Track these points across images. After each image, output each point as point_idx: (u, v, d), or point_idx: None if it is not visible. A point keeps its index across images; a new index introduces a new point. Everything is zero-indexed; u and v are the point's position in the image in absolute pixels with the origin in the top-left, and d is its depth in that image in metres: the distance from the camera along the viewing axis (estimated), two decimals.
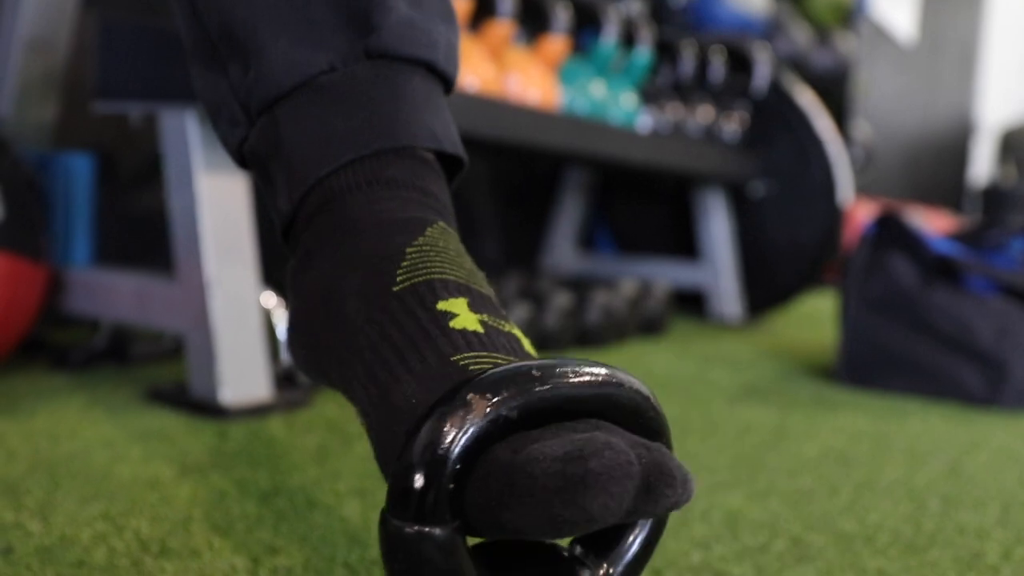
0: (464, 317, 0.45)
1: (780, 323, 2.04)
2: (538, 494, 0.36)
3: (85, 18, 1.15)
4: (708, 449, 0.89)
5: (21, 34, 1.09)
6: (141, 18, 0.92)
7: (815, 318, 2.15)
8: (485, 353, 0.43)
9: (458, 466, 0.37)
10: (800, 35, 2.71)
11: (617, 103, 1.66)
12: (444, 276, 0.46)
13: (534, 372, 0.39)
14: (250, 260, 0.92)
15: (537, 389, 0.38)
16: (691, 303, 2.03)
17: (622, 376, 0.41)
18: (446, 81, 0.56)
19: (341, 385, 0.47)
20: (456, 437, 0.37)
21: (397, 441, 0.41)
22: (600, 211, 2.19)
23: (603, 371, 0.41)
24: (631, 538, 0.43)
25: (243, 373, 0.90)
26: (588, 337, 1.47)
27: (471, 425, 0.37)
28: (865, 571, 0.60)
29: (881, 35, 3.88)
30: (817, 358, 1.52)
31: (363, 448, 0.80)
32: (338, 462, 0.76)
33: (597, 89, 1.62)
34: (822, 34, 2.91)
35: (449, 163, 0.56)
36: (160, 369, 1.06)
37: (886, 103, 4.02)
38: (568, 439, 0.37)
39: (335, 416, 0.90)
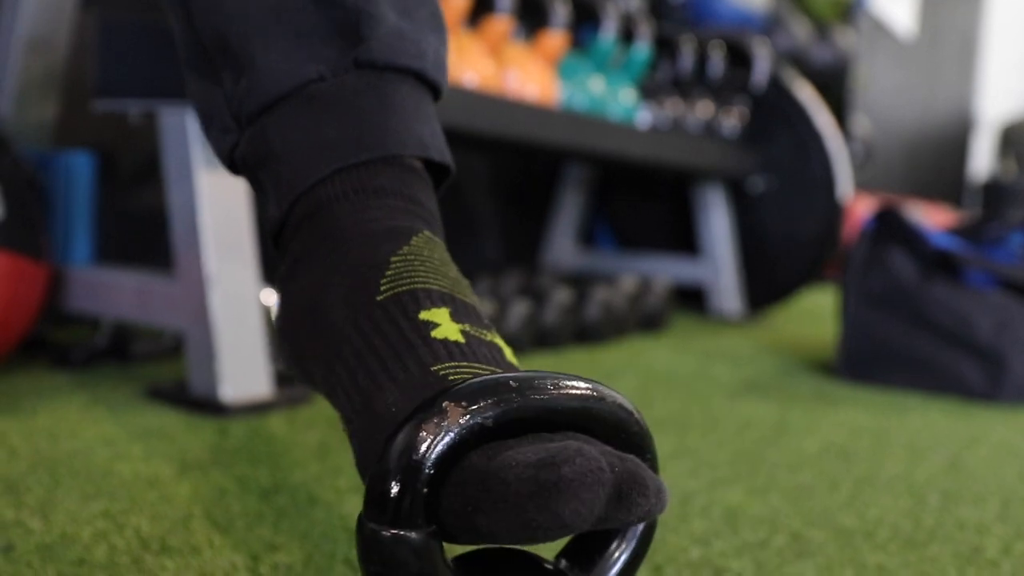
0: (446, 327, 0.45)
1: (780, 319, 2.04)
2: (511, 499, 0.36)
3: (85, 17, 1.15)
4: (708, 445, 0.89)
5: (21, 33, 1.09)
6: (140, 17, 0.92)
7: (815, 313, 2.15)
8: (465, 363, 0.44)
9: (433, 472, 0.38)
10: (799, 30, 2.71)
11: (616, 99, 1.66)
12: (427, 286, 0.47)
13: (512, 383, 0.39)
14: (250, 257, 0.92)
15: (515, 399, 0.39)
16: (691, 299, 2.04)
17: (604, 390, 0.41)
18: (435, 90, 0.57)
19: (326, 391, 0.48)
20: (432, 444, 0.38)
21: (378, 448, 0.42)
22: (600, 207, 2.19)
23: (584, 385, 0.41)
24: (616, 553, 0.43)
25: (243, 370, 0.90)
26: (588, 333, 1.47)
27: (447, 432, 0.38)
28: (865, 566, 0.60)
29: (880, 30, 3.88)
30: (817, 353, 1.52)
31: None
32: (339, 459, 0.76)
33: (596, 85, 1.62)
34: (821, 29, 2.91)
35: (436, 170, 0.57)
36: (161, 367, 1.06)
37: (886, 98, 4.02)
38: (542, 447, 0.38)
39: (335, 414, 0.90)
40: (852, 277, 1.34)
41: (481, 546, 0.41)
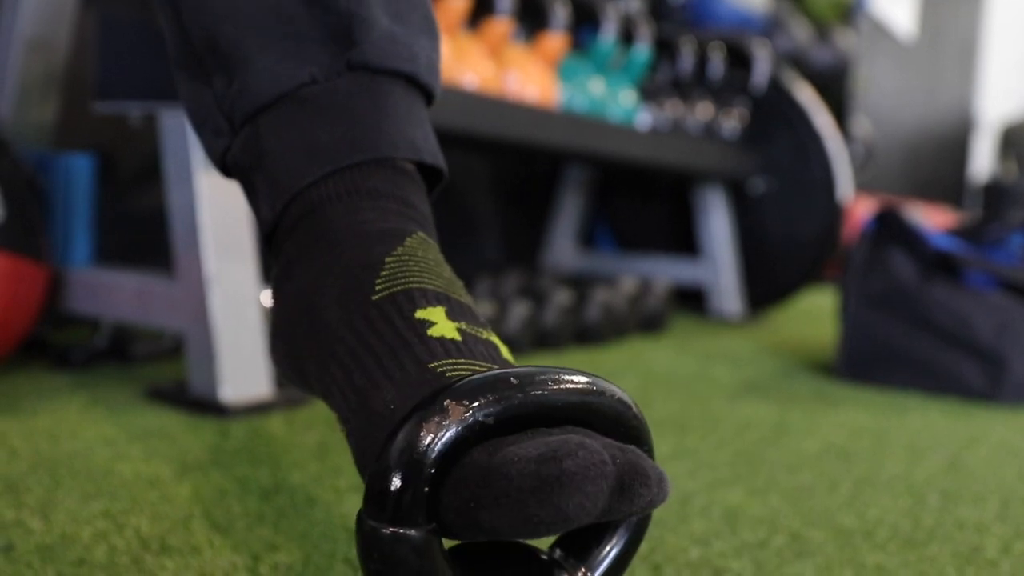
0: (442, 325, 0.45)
1: (780, 320, 2.04)
2: (513, 494, 0.36)
3: (85, 18, 1.15)
4: (708, 445, 0.89)
5: (21, 34, 1.09)
6: (140, 18, 0.92)
7: (815, 314, 2.15)
8: (463, 360, 0.44)
9: (434, 469, 0.38)
10: (800, 31, 2.71)
11: (616, 100, 1.66)
12: (423, 285, 0.47)
13: (512, 379, 0.39)
14: (249, 258, 0.92)
15: (515, 395, 0.39)
16: (691, 300, 2.04)
17: (603, 384, 0.41)
18: (427, 94, 0.57)
19: (321, 392, 0.48)
20: (433, 441, 0.38)
21: (376, 446, 0.42)
22: (600, 209, 2.19)
23: (583, 379, 0.41)
24: (611, 542, 0.43)
25: (243, 371, 0.90)
26: (588, 335, 1.47)
27: (447, 430, 0.38)
28: (864, 566, 0.60)
29: (881, 31, 3.88)
30: (817, 354, 1.52)
31: None
32: (338, 459, 0.76)
33: (596, 86, 1.62)
34: (822, 30, 2.91)
35: (429, 174, 0.57)
36: (161, 368, 1.06)
37: (886, 99, 4.02)
38: (543, 442, 0.38)
39: (333, 414, 0.90)
40: (852, 278, 1.34)
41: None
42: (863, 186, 3.23)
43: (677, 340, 1.61)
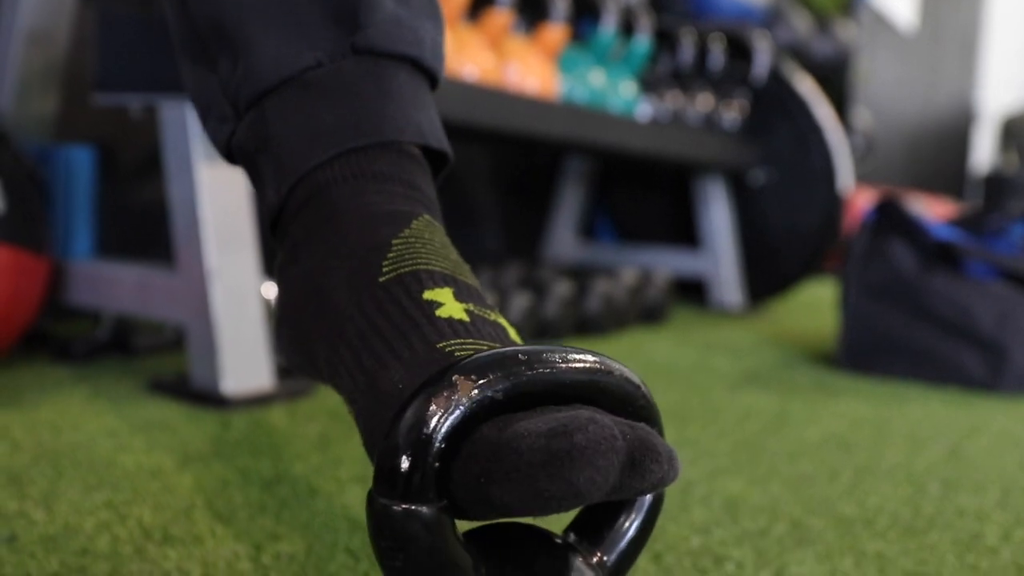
0: (450, 306, 0.45)
1: (781, 311, 2.04)
2: (524, 469, 0.36)
3: (85, 10, 1.15)
4: (709, 435, 0.89)
5: (21, 27, 1.09)
6: (140, 10, 0.92)
7: (816, 305, 2.15)
8: (471, 340, 0.44)
9: (444, 445, 0.37)
10: (800, 23, 2.71)
11: (616, 92, 1.66)
12: (430, 267, 0.47)
13: (520, 356, 0.39)
14: (250, 250, 0.92)
15: (524, 372, 0.39)
16: (692, 291, 2.04)
17: (611, 364, 0.41)
18: (432, 78, 0.57)
19: (328, 374, 0.48)
20: (442, 417, 0.37)
21: (384, 425, 0.42)
22: (600, 200, 2.19)
23: (592, 358, 0.41)
24: (625, 525, 0.43)
25: (244, 363, 0.90)
26: (589, 326, 1.47)
27: (457, 405, 0.38)
28: (864, 554, 0.61)
29: (881, 23, 3.88)
30: (818, 345, 1.52)
31: None
32: (339, 450, 0.76)
33: (596, 78, 1.62)
34: (822, 22, 2.91)
35: (434, 158, 0.57)
36: (162, 360, 1.06)
37: (887, 91, 4.01)
38: (553, 417, 0.37)
39: (336, 405, 0.91)
40: (853, 269, 1.34)
41: (491, 522, 0.41)
42: (864, 177, 3.23)
43: (678, 331, 1.61)
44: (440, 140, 0.56)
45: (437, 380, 0.39)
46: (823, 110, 1.92)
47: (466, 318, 0.45)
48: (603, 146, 1.57)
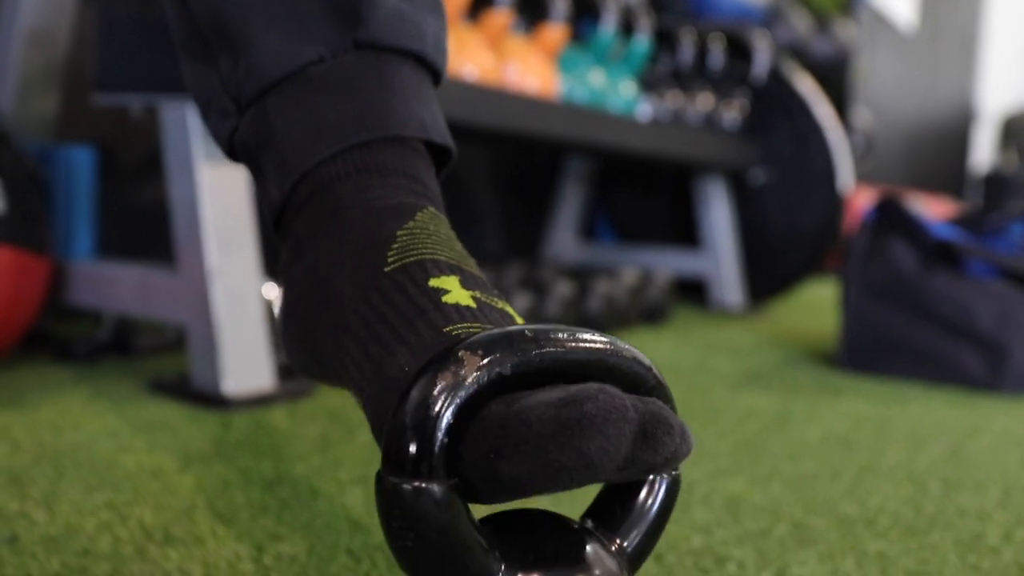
0: (456, 293, 0.45)
1: (781, 310, 2.04)
2: (533, 440, 0.35)
3: (85, 10, 1.15)
4: (710, 435, 0.89)
5: (22, 27, 1.09)
6: (141, 10, 0.92)
7: (816, 305, 2.15)
8: (478, 324, 0.43)
9: (452, 421, 0.37)
10: (800, 22, 2.71)
11: (616, 91, 1.66)
12: (435, 256, 0.47)
13: (528, 334, 0.39)
14: (251, 250, 0.92)
15: (531, 349, 0.38)
16: (692, 291, 2.04)
17: (621, 345, 0.41)
18: (435, 73, 0.57)
19: (334, 368, 0.47)
20: (450, 393, 0.37)
21: (393, 408, 0.41)
22: (601, 200, 2.19)
23: (601, 338, 0.40)
24: (643, 510, 0.42)
25: (245, 363, 0.90)
26: (590, 326, 1.47)
27: (465, 381, 0.37)
28: (866, 554, 0.61)
29: (881, 22, 3.88)
30: (819, 345, 1.52)
31: (365, 437, 0.81)
32: (340, 451, 0.76)
33: (596, 78, 1.62)
34: (822, 21, 2.91)
35: (437, 153, 0.57)
36: (163, 361, 1.06)
37: (886, 90, 4.01)
38: (562, 388, 0.37)
39: (337, 405, 0.91)
40: (853, 268, 1.34)
41: (507, 509, 0.41)
42: (864, 177, 3.23)
43: (678, 331, 1.61)
44: (443, 135, 0.55)
45: (444, 357, 0.38)
46: (823, 110, 1.92)
47: (473, 304, 0.44)
48: (603, 146, 1.57)
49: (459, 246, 0.50)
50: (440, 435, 0.37)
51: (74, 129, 1.21)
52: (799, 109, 1.92)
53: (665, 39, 1.93)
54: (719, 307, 1.96)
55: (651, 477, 0.42)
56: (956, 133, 5.28)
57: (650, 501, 0.42)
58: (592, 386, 0.37)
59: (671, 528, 0.63)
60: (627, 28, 1.71)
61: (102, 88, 0.95)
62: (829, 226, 1.90)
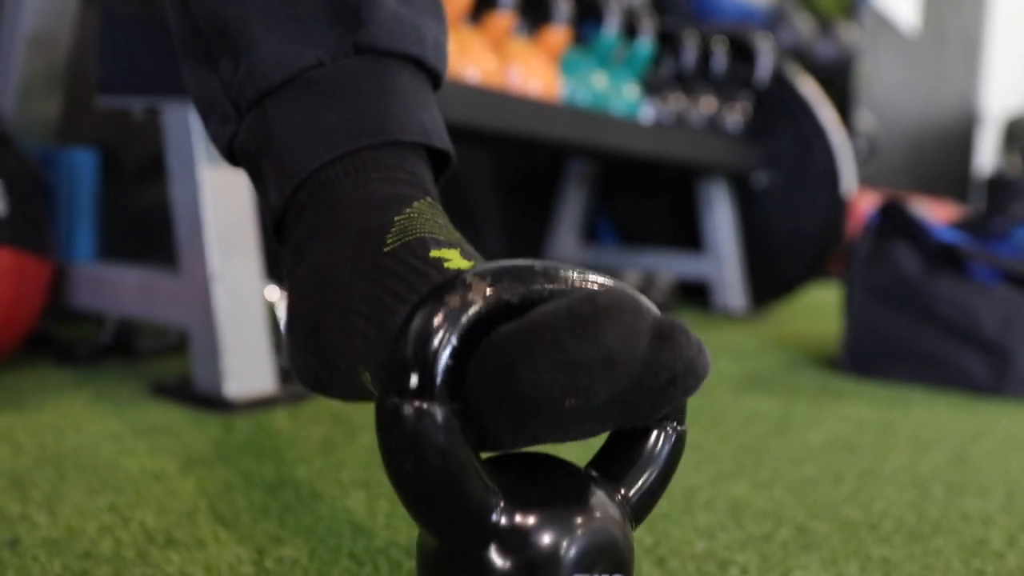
0: (457, 261, 0.45)
1: (784, 314, 2.04)
2: (548, 336, 0.34)
3: (87, 12, 1.15)
4: (712, 439, 0.89)
5: (24, 29, 1.09)
6: (142, 12, 0.92)
7: (819, 309, 2.15)
8: None
9: (457, 345, 0.36)
10: (803, 25, 2.71)
11: (619, 94, 1.66)
12: (435, 235, 0.47)
13: (536, 268, 0.38)
14: (253, 253, 0.92)
15: (542, 283, 0.38)
16: (695, 294, 2.03)
17: (627, 288, 0.40)
18: (435, 77, 0.57)
19: (340, 349, 0.47)
20: (456, 315, 0.36)
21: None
22: (603, 203, 2.19)
23: (609, 280, 0.40)
24: (647, 459, 0.42)
25: (247, 366, 0.90)
26: None
27: (471, 305, 0.37)
28: (869, 559, 0.60)
29: (884, 25, 3.87)
30: (821, 348, 1.52)
31: (367, 439, 0.81)
32: (343, 453, 0.76)
33: (599, 80, 1.62)
34: (825, 24, 2.91)
35: (436, 159, 0.57)
36: (165, 363, 1.06)
37: (890, 93, 4.01)
38: (571, 295, 0.36)
39: (339, 408, 0.91)
40: (856, 272, 1.34)
41: (512, 453, 0.40)
42: (867, 180, 3.23)
43: None
44: (443, 140, 0.55)
45: (451, 283, 0.37)
46: (826, 112, 1.92)
47: None
48: (605, 148, 1.57)
49: (458, 234, 0.50)
50: (444, 356, 0.36)
51: (76, 131, 1.21)
52: (802, 112, 1.92)
53: (668, 41, 1.93)
54: (721, 310, 1.96)
55: (658, 429, 0.42)
56: (959, 136, 5.27)
57: (656, 450, 0.42)
58: (605, 285, 0.36)
59: (674, 532, 0.63)
60: (630, 30, 1.71)
61: (104, 90, 0.95)
62: (832, 229, 1.89)
